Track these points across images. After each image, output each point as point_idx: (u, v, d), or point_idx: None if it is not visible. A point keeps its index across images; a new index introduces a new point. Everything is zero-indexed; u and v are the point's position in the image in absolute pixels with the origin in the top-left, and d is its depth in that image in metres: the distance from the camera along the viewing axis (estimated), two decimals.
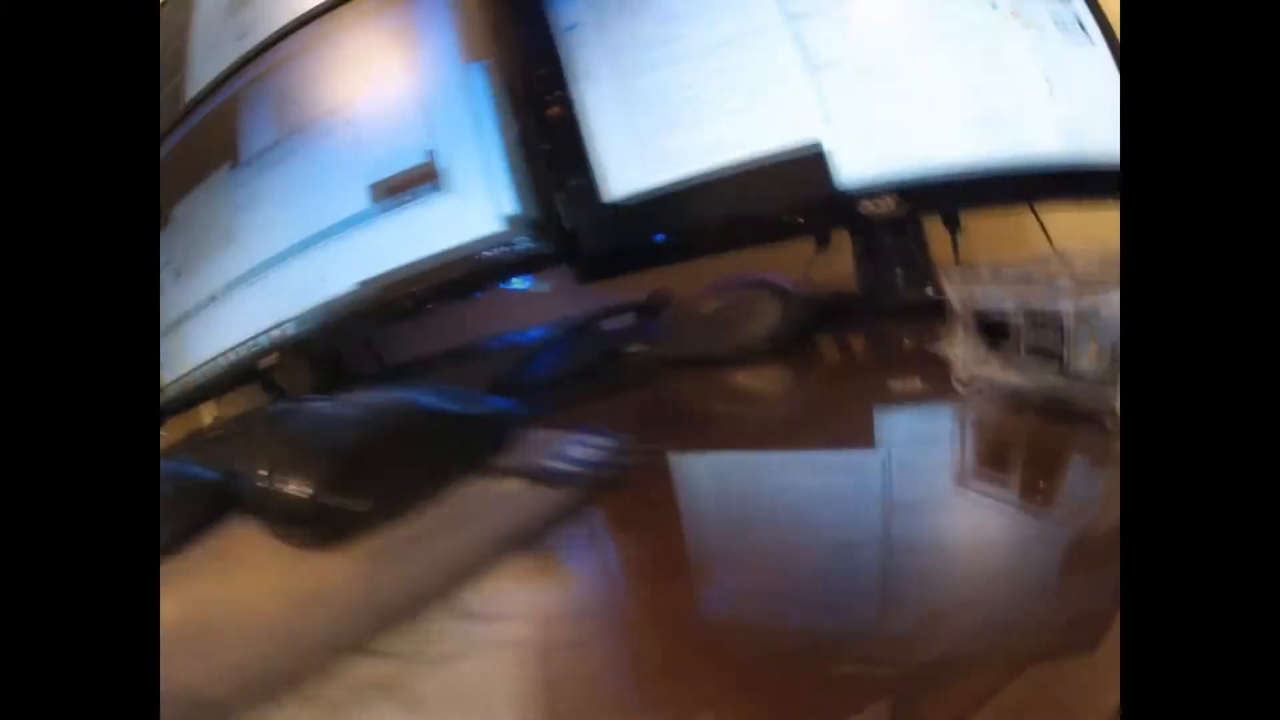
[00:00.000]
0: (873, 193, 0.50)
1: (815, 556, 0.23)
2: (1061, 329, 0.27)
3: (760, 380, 0.45)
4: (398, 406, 0.37)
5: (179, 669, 0.23)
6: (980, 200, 0.51)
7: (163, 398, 0.73)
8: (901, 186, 0.49)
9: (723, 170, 0.53)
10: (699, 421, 0.39)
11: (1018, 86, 0.48)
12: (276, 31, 0.67)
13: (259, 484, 0.34)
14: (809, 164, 0.51)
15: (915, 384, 0.37)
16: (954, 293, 0.31)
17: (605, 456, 0.33)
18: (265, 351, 0.63)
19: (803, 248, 0.55)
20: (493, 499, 0.31)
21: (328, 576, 0.29)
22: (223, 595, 0.31)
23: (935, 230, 0.53)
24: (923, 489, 0.26)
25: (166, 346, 0.72)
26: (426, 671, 0.21)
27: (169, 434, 0.78)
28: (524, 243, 0.54)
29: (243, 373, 0.66)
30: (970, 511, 0.24)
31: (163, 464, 0.45)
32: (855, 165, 0.51)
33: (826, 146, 0.51)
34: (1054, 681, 0.16)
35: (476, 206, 0.55)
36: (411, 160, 0.57)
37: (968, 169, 0.48)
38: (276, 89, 0.65)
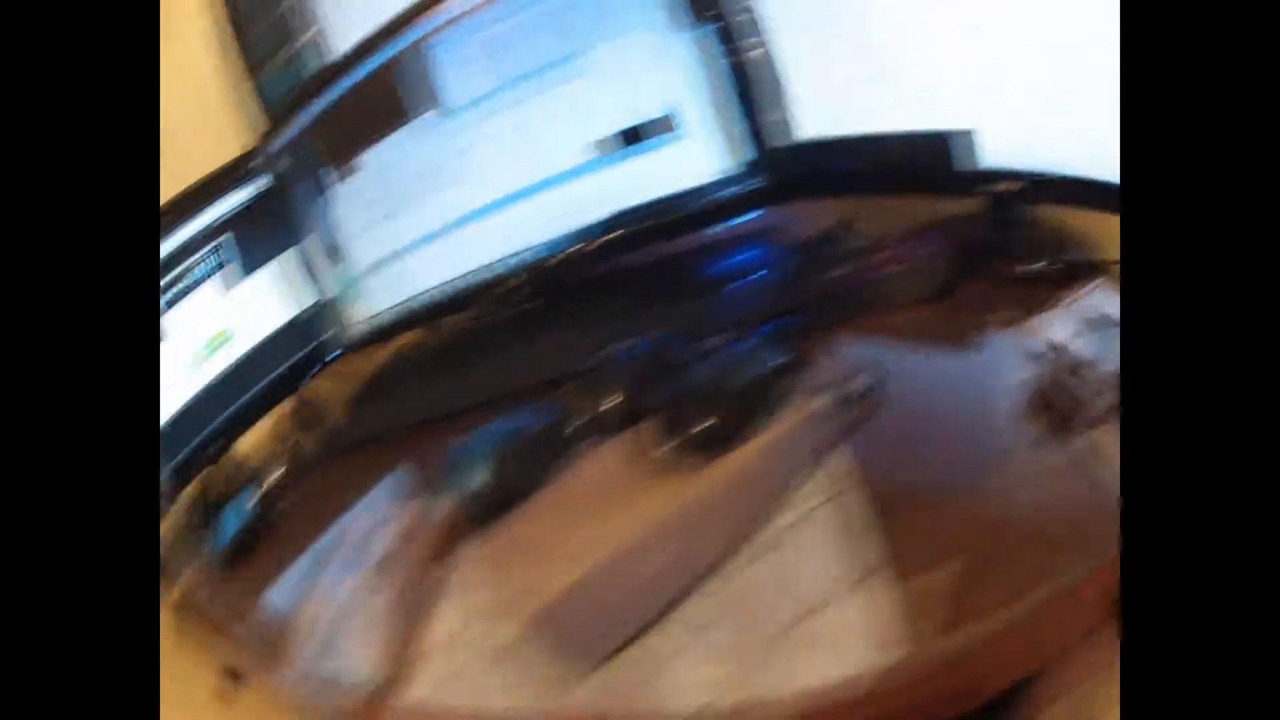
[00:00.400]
0: (1006, 176, 0.63)
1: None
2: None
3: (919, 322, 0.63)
4: (744, 364, 0.53)
5: (675, 557, 0.41)
6: (1081, 202, 0.60)
7: (375, 324, 0.83)
8: (1028, 175, 0.61)
9: (895, 136, 0.67)
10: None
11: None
12: None
13: (672, 414, 0.50)
14: (960, 143, 0.64)
15: (1019, 315, 0.55)
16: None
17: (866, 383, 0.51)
18: (507, 276, 0.75)
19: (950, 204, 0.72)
20: (811, 410, 0.49)
21: (732, 472, 0.45)
22: (634, 509, 0.44)
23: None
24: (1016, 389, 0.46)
25: (377, 281, 0.81)
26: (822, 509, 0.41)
27: (378, 357, 0.87)
28: (750, 184, 0.69)
29: (475, 297, 0.77)
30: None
31: (496, 425, 0.56)
32: (997, 152, 0.63)
33: (974, 134, 0.63)
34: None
35: (708, 151, 0.69)
36: (653, 113, 0.69)
37: (1074, 175, 0.57)
38: (482, 36, 0.72)
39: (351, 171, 0.79)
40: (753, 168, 0.69)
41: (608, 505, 0.46)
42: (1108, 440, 0.41)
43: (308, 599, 0.52)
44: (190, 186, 0.79)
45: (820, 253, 0.70)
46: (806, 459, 0.45)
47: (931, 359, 0.57)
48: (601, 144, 0.70)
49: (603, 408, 0.54)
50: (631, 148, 0.70)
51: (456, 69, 0.73)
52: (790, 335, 0.59)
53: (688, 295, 0.69)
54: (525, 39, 0.71)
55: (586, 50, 0.70)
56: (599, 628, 0.40)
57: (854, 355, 0.58)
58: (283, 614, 0.53)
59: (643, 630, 0.39)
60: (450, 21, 0.72)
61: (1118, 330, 0.47)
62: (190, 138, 0.91)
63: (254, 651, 0.53)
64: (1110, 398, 0.44)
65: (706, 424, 0.48)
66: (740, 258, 0.72)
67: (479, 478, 0.51)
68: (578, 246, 0.73)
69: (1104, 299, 0.51)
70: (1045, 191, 0.63)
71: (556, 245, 0.74)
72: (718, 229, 0.72)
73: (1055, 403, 0.46)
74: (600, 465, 0.51)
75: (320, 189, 0.81)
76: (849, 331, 0.61)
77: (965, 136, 0.65)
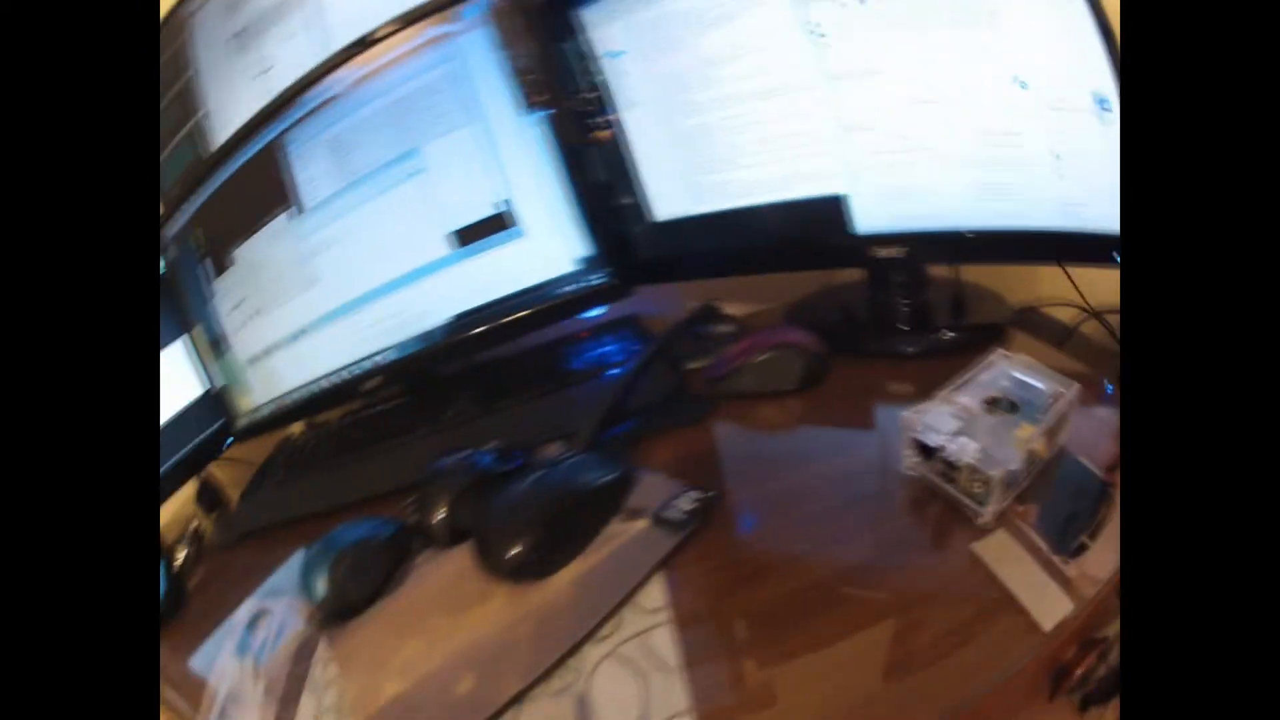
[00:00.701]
0: (885, 242, 0.60)
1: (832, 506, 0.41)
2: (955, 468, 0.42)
3: (784, 413, 0.59)
4: (566, 485, 0.51)
5: (484, 681, 0.40)
6: (973, 256, 0.60)
7: (255, 417, 0.83)
8: (908, 238, 0.59)
9: (757, 209, 0.63)
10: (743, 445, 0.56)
11: (1026, 163, 0.51)
12: (311, 72, 0.71)
13: (483, 538, 0.49)
14: (831, 210, 0.61)
15: (908, 389, 0.52)
16: (905, 424, 0.44)
17: (697, 506, 0.48)
18: (369, 375, 0.73)
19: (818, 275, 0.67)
20: (634, 537, 0.47)
21: (546, 599, 0.45)
22: (476, 623, 0.45)
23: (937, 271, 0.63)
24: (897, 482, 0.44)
25: (255, 374, 0.81)
26: (628, 645, 0.38)
27: (261, 448, 0.87)
28: (595, 279, 0.65)
29: (345, 393, 0.76)
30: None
31: (342, 531, 0.56)
32: (872, 216, 0.60)
33: (848, 198, 0.60)
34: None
35: (550, 247, 0.65)
36: (487, 210, 0.66)
37: (967, 229, 0.56)
38: (327, 135, 0.71)
39: (225, 267, 0.79)
40: (592, 263, 0.65)
41: (434, 621, 0.48)
42: (1008, 540, 0.39)
43: (212, 671, 0.55)
44: None
45: (677, 343, 0.65)
46: (619, 588, 0.43)
47: (805, 451, 0.53)
48: (448, 241, 0.67)
49: (433, 521, 0.54)
50: (469, 246, 0.67)
51: (307, 169, 0.72)
52: (628, 443, 0.57)
53: (538, 395, 0.66)
54: (365, 138, 0.68)
55: (422, 148, 0.67)
56: None
57: (700, 461, 0.54)
58: (195, 683, 0.55)
59: None
60: (300, 119, 0.71)
61: (1019, 415, 0.43)
62: None
63: (170, 710, 0.54)
64: (1005, 496, 0.40)
65: (513, 552, 0.47)
66: (596, 352, 0.68)
67: (321, 586, 0.52)
68: (426, 348, 0.70)
69: (1002, 375, 0.46)
70: (936, 252, 0.59)
71: (405, 348, 0.71)
72: (568, 323, 0.68)
73: (945, 499, 0.42)
74: (431, 580, 0.52)
75: (202, 281, 0.81)
76: (705, 430, 0.57)
77: (836, 202, 0.59)
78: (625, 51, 0.64)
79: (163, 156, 0.88)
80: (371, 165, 0.68)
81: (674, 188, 0.67)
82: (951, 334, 0.61)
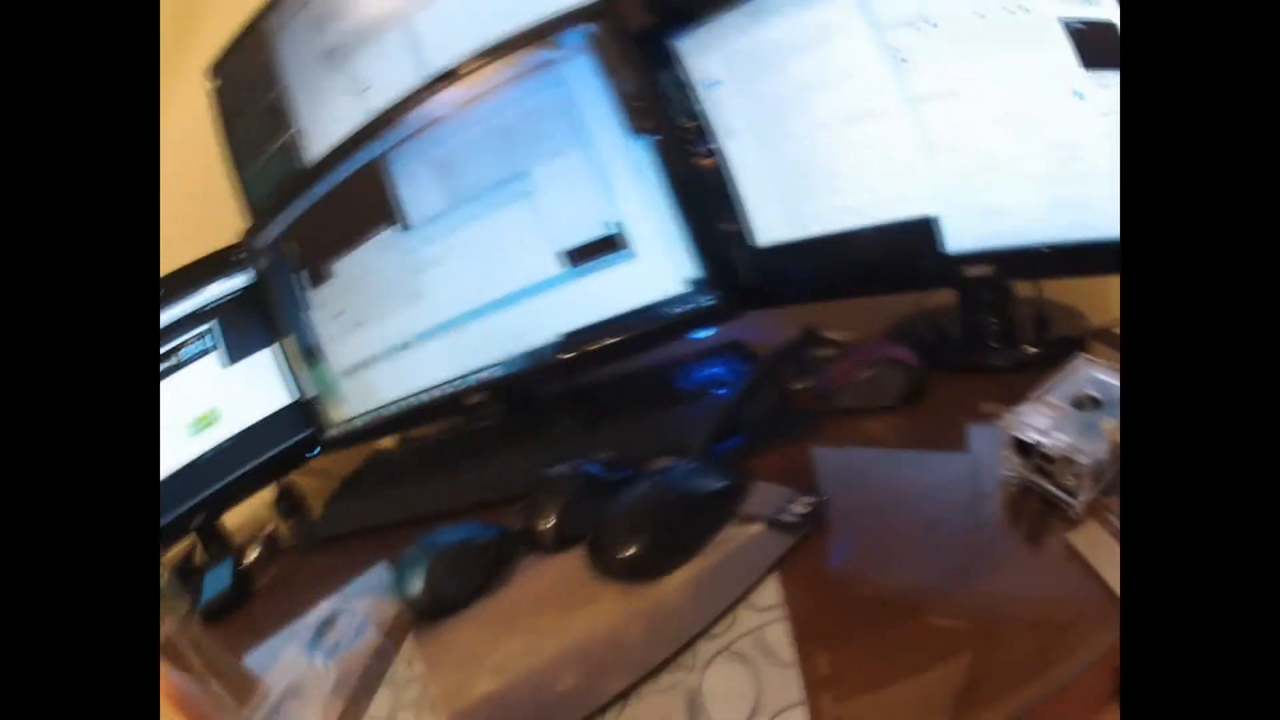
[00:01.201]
0: (974, 259, 0.62)
1: (922, 529, 0.42)
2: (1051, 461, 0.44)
3: (887, 428, 0.62)
4: (680, 489, 0.53)
5: (588, 678, 0.41)
6: (1054, 270, 0.61)
7: (348, 428, 0.85)
8: (996, 255, 0.61)
9: (851, 232, 0.65)
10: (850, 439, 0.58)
11: (1091, 174, 0.54)
12: (412, 94, 0.73)
13: (597, 538, 0.51)
14: (923, 232, 0.63)
15: (998, 408, 0.51)
16: (1001, 420, 0.47)
17: (810, 509, 0.49)
18: (473, 390, 0.76)
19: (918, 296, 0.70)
20: (748, 540, 0.49)
21: (658, 599, 0.46)
22: (580, 622, 0.47)
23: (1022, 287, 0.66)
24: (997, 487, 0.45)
25: (351, 385, 0.83)
26: (742, 640, 0.41)
27: (348, 462, 0.89)
28: (704, 301, 0.67)
29: (445, 408, 0.78)
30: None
31: (443, 533, 0.58)
32: (961, 236, 0.62)
33: (938, 219, 0.62)
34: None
35: (660, 268, 0.67)
36: (598, 230, 0.68)
37: (1047, 244, 0.58)
38: (432, 155, 0.73)
39: (323, 279, 0.81)
40: (701, 285, 0.67)
41: (536, 622, 0.48)
42: (1098, 530, 0.41)
43: (271, 668, 0.57)
44: (180, 268, 0.83)
45: (782, 365, 0.68)
46: (734, 588, 0.45)
47: (906, 464, 0.55)
48: (556, 261, 0.70)
49: (540, 528, 0.56)
50: (579, 267, 0.69)
51: (412, 186, 0.74)
52: (738, 456, 0.59)
53: (644, 413, 0.68)
54: (472, 160, 0.71)
55: (531, 170, 0.69)
56: None
57: (808, 473, 0.56)
58: (248, 676, 0.58)
59: None
60: (404, 140, 0.73)
61: (1103, 411, 0.45)
62: (186, 216, 0.95)
63: (217, 705, 0.56)
64: (1095, 487, 0.43)
65: (629, 552, 0.49)
66: (702, 374, 0.71)
67: (417, 584, 0.54)
68: (533, 365, 0.72)
69: (1087, 378, 0.49)
70: (1020, 268, 0.61)
71: (511, 365, 0.74)
72: (674, 345, 0.71)
73: (1041, 495, 0.45)
74: (535, 582, 0.53)
75: (297, 291, 0.83)
76: (811, 445, 0.60)
77: (928, 224, 0.62)
78: (722, 81, 0.67)
79: (254, 169, 0.90)
80: (480, 185, 0.70)
81: (775, 213, 0.69)
82: (1036, 349, 0.63)
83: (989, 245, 0.62)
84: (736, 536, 0.49)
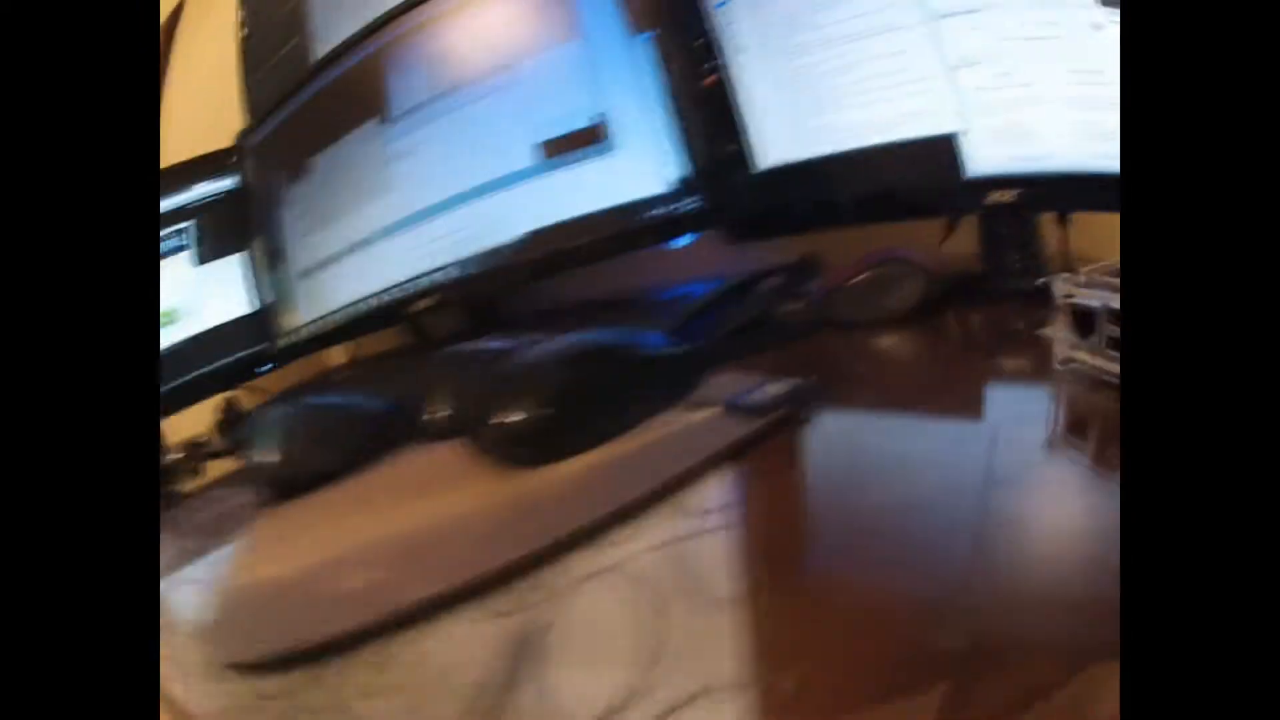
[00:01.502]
0: (998, 184, 0.55)
1: (918, 520, 0.26)
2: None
3: (896, 344, 0.51)
4: (602, 348, 0.42)
5: (395, 579, 0.30)
6: (1085, 201, 0.55)
7: (296, 338, 0.78)
8: (1022, 180, 0.54)
9: (864, 151, 0.59)
10: (844, 377, 0.46)
11: (1114, 104, 0.51)
12: None
13: (470, 414, 0.40)
14: (943, 152, 0.56)
15: (1023, 364, 0.43)
16: (1057, 290, 0.38)
17: (789, 396, 0.38)
18: (423, 294, 0.68)
19: (933, 226, 0.61)
20: (696, 424, 0.37)
21: (541, 487, 0.35)
22: (431, 511, 0.37)
23: (1048, 223, 0.58)
24: (1021, 465, 0.30)
25: (305, 289, 0.77)
26: (650, 556, 0.27)
27: (297, 373, 0.82)
28: (686, 204, 0.59)
29: (392, 314, 0.71)
30: (1060, 490, 0.27)
31: (325, 397, 0.50)
32: (983, 158, 0.56)
33: (958, 138, 0.56)
34: (1111, 682, 0.16)
35: (642, 167, 0.60)
36: (581, 121, 0.62)
37: (1076, 172, 0.52)
38: (428, 48, 0.69)
39: (301, 176, 0.76)
40: (685, 186, 0.59)
41: (383, 504, 0.40)
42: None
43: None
44: (169, 166, 0.80)
45: (771, 287, 0.58)
46: (653, 481, 0.32)
47: (918, 427, 0.40)
48: (531, 153, 0.63)
49: (430, 413, 0.47)
50: (555, 159, 0.62)
51: (402, 79, 0.70)
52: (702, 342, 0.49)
53: (604, 320, 0.59)
54: (462, 51, 0.67)
55: (521, 61, 0.64)
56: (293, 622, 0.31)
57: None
58: None
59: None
60: (403, 33, 0.70)
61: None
62: (193, 124, 0.93)
63: None
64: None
65: (509, 418, 0.38)
66: (680, 290, 0.62)
67: (274, 446, 0.46)
68: (490, 268, 0.65)
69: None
70: (1047, 197, 0.53)
71: (467, 266, 0.66)
72: (652, 249, 0.62)
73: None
74: (410, 466, 0.45)
75: (276, 190, 0.79)
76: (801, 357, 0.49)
77: (948, 142, 0.55)
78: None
79: (260, 74, 0.89)
80: (465, 76, 0.66)
81: (781, 133, 0.62)
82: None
83: (1014, 169, 0.54)
84: (678, 421, 0.38)
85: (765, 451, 0.35)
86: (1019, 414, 0.37)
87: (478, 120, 0.66)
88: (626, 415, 0.38)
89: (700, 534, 0.29)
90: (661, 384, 0.41)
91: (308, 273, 0.76)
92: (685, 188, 0.60)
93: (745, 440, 0.35)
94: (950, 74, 0.56)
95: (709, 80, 0.63)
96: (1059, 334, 0.38)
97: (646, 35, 0.61)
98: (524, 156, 0.64)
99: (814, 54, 0.60)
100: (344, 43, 0.75)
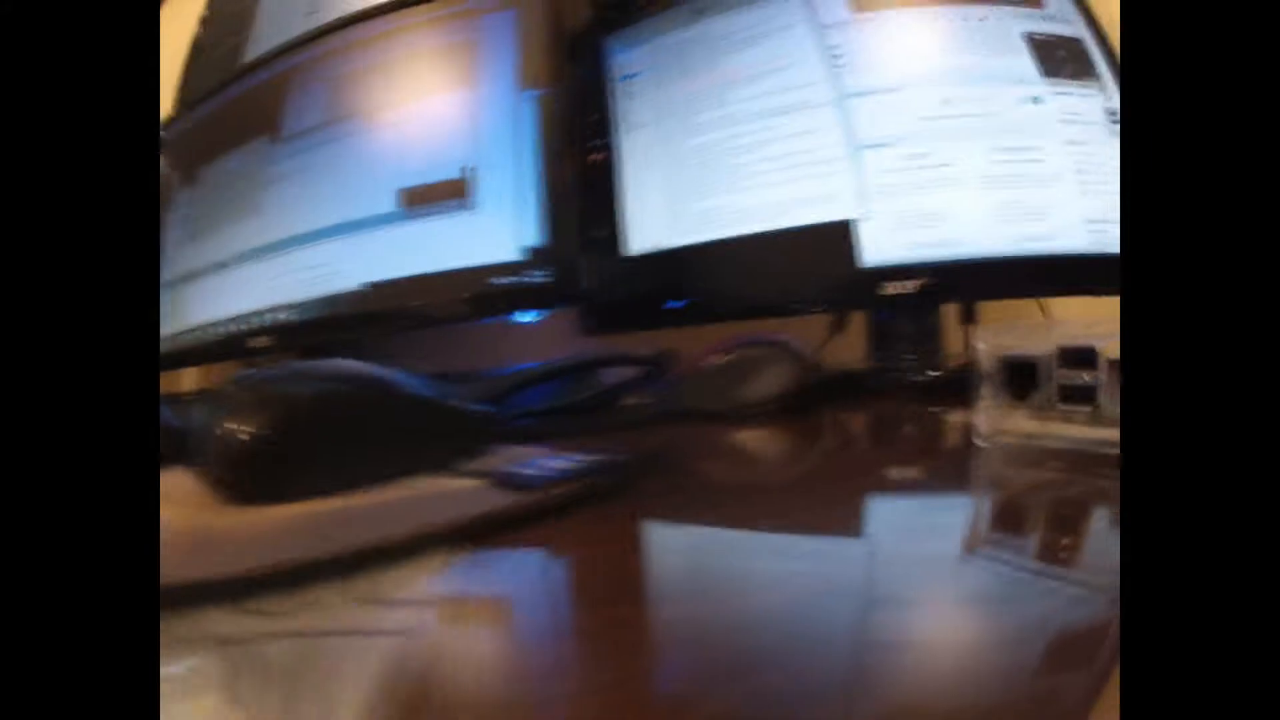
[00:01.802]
0: (897, 274, 0.50)
1: (782, 646, 0.19)
2: (1095, 363, 0.28)
3: (760, 442, 0.43)
4: (370, 376, 0.33)
5: None
6: (998, 288, 0.52)
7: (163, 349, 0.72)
8: (925, 269, 0.50)
9: (748, 239, 0.52)
10: (690, 474, 0.37)
11: (1049, 181, 0.50)
12: (343, 16, 0.67)
13: (208, 430, 0.32)
14: (836, 240, 0.51)
15: (914, 474, 0.35)
16: (985, 344, 0.32)
17: (577, 467, 0.29)
18: (258, 331, 0.62)
19: (818, 323, 0.54)
20: (445, 495, 0.28)
21: (231, 528, 0.26)
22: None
23: (950, 316, 0.54)
24: (908, 586, 0.23)
25: (166, 300, 0.72)
26: (294, 641, 0.19)
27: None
28: (538, 277, 0.53)
29: (232, 347, 0.64)
30: (958, 607, 0.21)
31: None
32: (883, 246, 0.51)
33: (857, 225, 0.51)
34: None
35: (499, 231, 0.54)
36: (447, 173, 0.56)
37: (990, 257, 0.50)
38: (332, 73, 0.65)
39: (192, 180, 0.72)
40: (538, 256, 0.53)
41: None
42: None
43: None
44: None
45: (621, 379, 0.51)
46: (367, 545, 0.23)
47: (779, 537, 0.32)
48: (394, 198, 0.58)
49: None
50: (415, 209, 0.56)
51: (301, 100, 0.66)
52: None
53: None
54: (365, 83, 0.62)
55: (413, 101, 0.59)
56: None
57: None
58: None
59: None
60: (319, 57, 0.66)
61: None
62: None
63: None
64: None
65: (230, 434, 0.30)
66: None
67: None
68: (326, 314, 0.59)
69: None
70: (954, 286, 0.50)
71: (306, 310, 0.60)
72: (501, 324, 0.55)
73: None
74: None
75: (168, 192, 0.74)
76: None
77: (843, 229, 0.51)
78: (641, 74, 0.59)
79: (197, 64, 0.86)
80: (357, 109, 0.61)
81: (659, 215, 0.56)
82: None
83: (918, 257, 0.50)
84: (433, 487, 0.29)
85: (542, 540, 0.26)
86: (906, 530, 0.29)
87: (353, 155, 0.61)
88: (374, 467, 0.30)
89: (372, 632, 0.20)
90: (434, 434, 0.33)
91: (171, 284, 0.71)
92: (537, 259, 0.53)
93: (495, 518, 0.26)
94: (856, 156, 0.52)
95: (594, 157, 0.57)
96: (986, 402, 0.32)
97: (535, 93, 0.56)
98: (385, 201, 0.58)
99: (714, 132, 0.55)
100: (269, 51, 0.72)
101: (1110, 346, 0.28)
